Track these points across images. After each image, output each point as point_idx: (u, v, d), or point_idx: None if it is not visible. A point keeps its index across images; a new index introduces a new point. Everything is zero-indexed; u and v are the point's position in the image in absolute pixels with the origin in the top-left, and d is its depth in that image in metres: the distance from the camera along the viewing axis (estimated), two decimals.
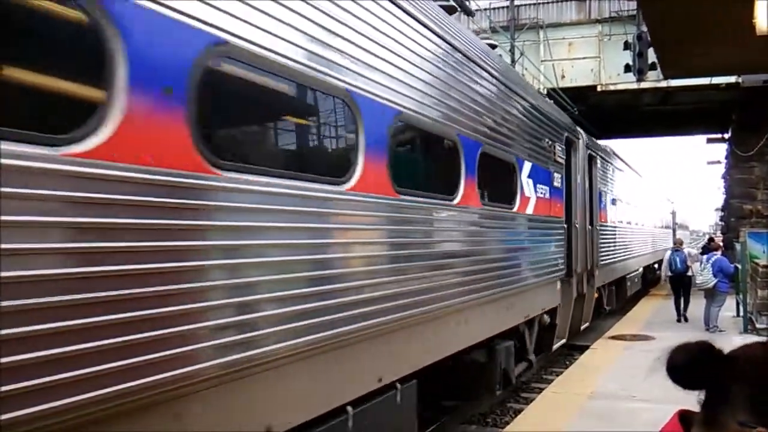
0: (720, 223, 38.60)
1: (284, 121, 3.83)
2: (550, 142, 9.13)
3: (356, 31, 4.04)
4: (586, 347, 11.22)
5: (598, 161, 12.90)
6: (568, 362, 11.18)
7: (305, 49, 3.50)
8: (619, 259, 15.38)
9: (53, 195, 2.20)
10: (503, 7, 21.13)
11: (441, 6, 6.29)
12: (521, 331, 8.13)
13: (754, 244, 14.52)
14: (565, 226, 9.92)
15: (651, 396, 7.46)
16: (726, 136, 25.56)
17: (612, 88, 20.25)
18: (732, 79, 17.94)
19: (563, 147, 9.95)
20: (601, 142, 15.33)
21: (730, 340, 11.05)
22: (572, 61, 20.53)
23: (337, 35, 3.80)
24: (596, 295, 12.84)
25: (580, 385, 8.23)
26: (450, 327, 5.59)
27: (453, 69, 5.65)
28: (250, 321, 3.09)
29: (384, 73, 4.37)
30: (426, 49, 5.13)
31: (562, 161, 9.81)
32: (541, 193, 8.54)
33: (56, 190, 2.21)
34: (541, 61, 20.23)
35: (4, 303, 2.06)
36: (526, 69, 18.40)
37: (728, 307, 13.52)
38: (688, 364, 1.42)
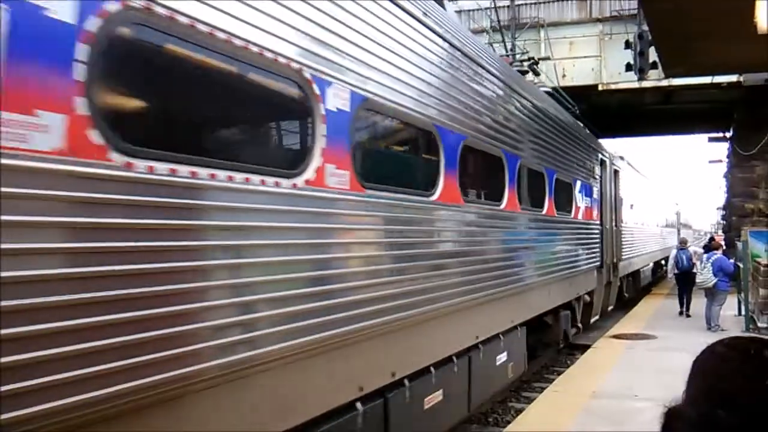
0: (721, 221, 38.57)
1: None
2: (591, 164, 12.28)
3: None
4: (588, 346, 11.20)
5: (620, 173, 15.78)
6: (569, 361, 11.15)
7: None
8: (635, 254, 18.12)
9: (427, 218, 5.19)
10: (504, 6, 21.08)
11: (518, 70, 10.72)
12: (573, 305, 11.05)
13: (755, 242, 14.47)
14: (600, 227, 12.78)
15: (653, 395, 7.45)
16: (728, 135, 25.50)
17: (613, 87, 20.22)
18: (734, 78, 17.90)
19: (599, 166, 13.04)
20: (603, 141, 15.85)
21: None
22: (573, 60, 20.49)
23: None
24: (618, 283, 15.28)
25: (582, 385, 8.22)
26: (539, 296, 8.69)
27: (550, 131, 9.23)
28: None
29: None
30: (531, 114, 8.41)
31: (598, 177, 12.88)
32: (586, 203, 11.54)
33: (427, 215, 5.14)
34: (542, 60, 20.19)
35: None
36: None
37: (730, 306, 13.51)
38: None
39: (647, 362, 9.43)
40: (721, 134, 26.27)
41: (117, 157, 2.47)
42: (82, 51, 2.33)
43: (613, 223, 14.30)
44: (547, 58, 18.48)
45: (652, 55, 15.57)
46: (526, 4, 21.00)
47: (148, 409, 2.63)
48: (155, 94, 2.90)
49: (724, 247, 14.85)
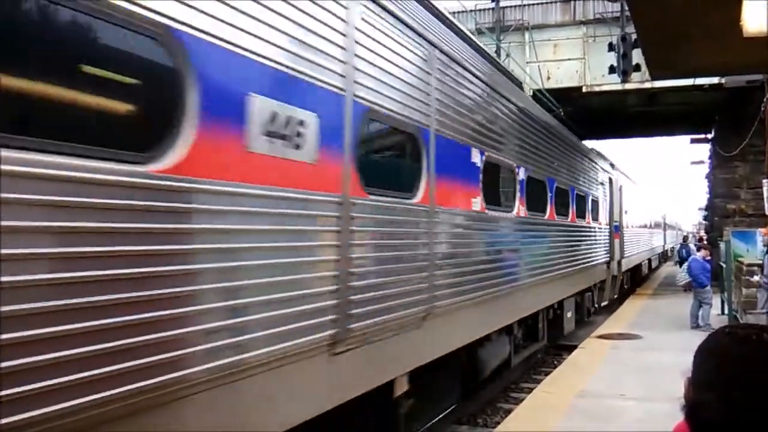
0: (703, 222, 39.15)
1: None
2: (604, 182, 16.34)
3: None
4: (574, 347, 11.30)
5: (623, 187, 19.35)
6: (556, 362, 11.25)
7: None
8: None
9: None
10: (489, 9, 21.21)
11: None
12: (591, 289, 14.36)
13: (738, 243, 14.65)
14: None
15: (639, 394, 7.55)
16: (709, 136, 25.82)
17: (597, 89, 20.39)
18: (715, 80, 18.13)
19: (607, 182, 16.48)
20: (588, 143, 16.25)
21: None
22: (557, 62, 20.64)
23: None
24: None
25: (569, 384, 8.29)
26: (569, 282, 11.56)
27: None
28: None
29: None
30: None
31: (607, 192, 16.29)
32: (596, 212, 14.56)
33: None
34: (527, 62, 20.33)
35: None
36: (512, 70, 18.50)
37: (714, 305, 13.72)
38: None
39: (633, 362, 9.54)
40: (703, 136, 26.59)
41: None
42: None
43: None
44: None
45: (635, 58, 15.75)
46: (510, 6, 21.14)
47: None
48: None
49: (705, 249, 15.18)
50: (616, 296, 17.42)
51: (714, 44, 9.64)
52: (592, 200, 13.90)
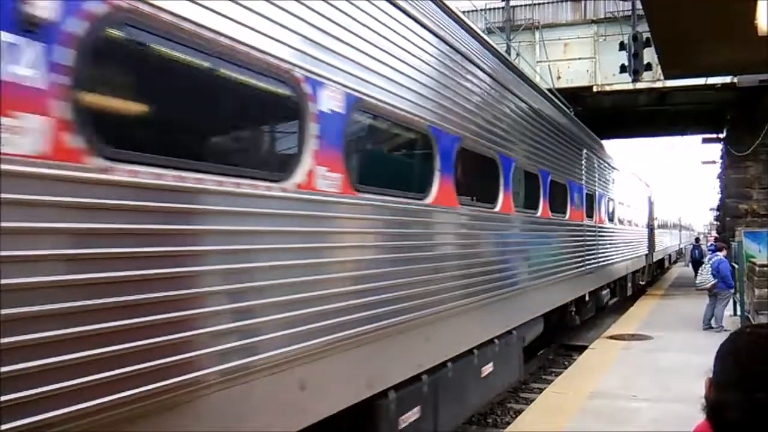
0: (715, 222, 39.02)
1: None
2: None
3: None
4: (585, 347, 11.25)
5: (654, 198, 24.99)
6: (567, 362, 11.21)
7: None
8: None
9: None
10: (499, 8, 21.17)
11: None
12: (638, 271, 19.74)
13: (750, 243, 14.54)
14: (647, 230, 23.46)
15: (651, 395, 7.51)
16: (721, 135, 25.65)
17: (608, 88, 20.31)
18: (727, 79, 18.01)
19: (646, 198, 22.74)
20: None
21: None
22: (568, 61, 20.57)
23: None
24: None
25: (580, 385, 8.26)
26: (621, 267, 16.01)
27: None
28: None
29: None
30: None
31: (646, 204, 22.31)
32: (639, 216, 20.37)
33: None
34: (537, 61, 20.28)
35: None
36: (522, 70, 18.43)
37: (727, 307, 13.60)
38: None
39: (644, 362, 9.49)
40: (714, 135, 26.42)
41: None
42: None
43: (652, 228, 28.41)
44: None
45: (647, 57, 15.69)
46: (520, 5, 21.09)
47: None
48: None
49: (724, 248, 14.87)
50: (650, 279, 23.50)
51: (728, 43, 9.59)
52: (640, 210, 20.39)
